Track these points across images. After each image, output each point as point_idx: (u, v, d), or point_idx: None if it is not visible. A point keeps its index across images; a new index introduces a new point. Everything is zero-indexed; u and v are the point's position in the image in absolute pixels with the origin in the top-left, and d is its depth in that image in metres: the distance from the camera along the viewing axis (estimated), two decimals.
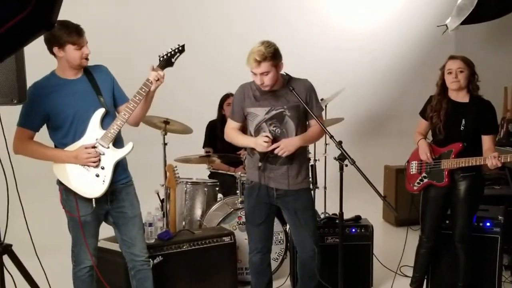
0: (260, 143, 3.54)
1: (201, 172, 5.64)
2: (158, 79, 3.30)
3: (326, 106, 5.97)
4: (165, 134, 4.98)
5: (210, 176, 5.67)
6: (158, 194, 5.15)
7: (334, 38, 7.94)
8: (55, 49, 3.22)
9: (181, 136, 5.29)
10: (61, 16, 1.29)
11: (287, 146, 3.53)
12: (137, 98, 3.28)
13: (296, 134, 3.62)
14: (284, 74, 3.65)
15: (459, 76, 3.88)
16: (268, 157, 3.63)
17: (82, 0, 6.56)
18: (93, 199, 3.27)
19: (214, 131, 5.78)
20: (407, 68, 8.29)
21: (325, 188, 6.20)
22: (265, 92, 3.60)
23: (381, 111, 8.39)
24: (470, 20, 5.75)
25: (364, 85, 8.09)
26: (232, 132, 3.83)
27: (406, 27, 8.18)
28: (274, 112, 3.60)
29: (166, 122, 4.95)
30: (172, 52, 3.41)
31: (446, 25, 5.96)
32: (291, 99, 3.60)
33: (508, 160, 3.66)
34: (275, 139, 3.59)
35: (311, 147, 5.70)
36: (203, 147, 5.81)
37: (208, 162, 5.40)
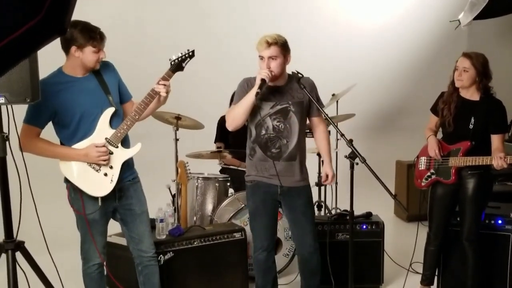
0: (262, 72, 3.44)
1: (213, 167, 5.65)
2: (167, 91, 3.35)
3: (337, 102, 5.96)
4: (177, 129, 5.00)
5: (221, 171, 5.68)
6: (169, 189, 5.17)
7: (345, 34, 7.90)
8: (73, 49, 3.17)
9: (192, 131, 5.30)
10: (74, 15, 1.28)
11: (332, 171, 3.80)
12: (144, 104, 3.32)
13: (299, 130, 3.64)
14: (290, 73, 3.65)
15: (463, 75, 3.83)
16: (271, 152, 3.64)
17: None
18: (99, 198, 3.29)
19: (226, 126, 5.78)
20: (419, 64, 8.24)
21: (336, 183, 6.17)
22: (269, 86, 3.56)
23: (392, 106, 8.36)
24: (483, 15, 5.70)
25: (376, 81, 8.06)
26: (231, 109, 3.70)
27: (418, 22, 8.12)
28: (279, 107, 3.60)
29: (178, 117, 4.96)
30: (183, 57, 3.43)
31: (458, 20, 5.91)
32: (296, 95, 3.61)
33: None
34: (277, 134, 3.62)
35: None
36: (215, 142, 5.82)
37: (219, 157, 5.41)
